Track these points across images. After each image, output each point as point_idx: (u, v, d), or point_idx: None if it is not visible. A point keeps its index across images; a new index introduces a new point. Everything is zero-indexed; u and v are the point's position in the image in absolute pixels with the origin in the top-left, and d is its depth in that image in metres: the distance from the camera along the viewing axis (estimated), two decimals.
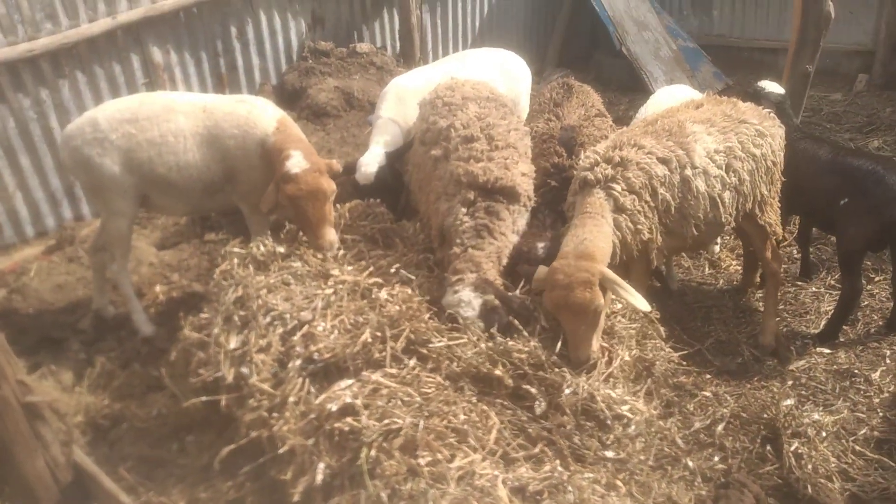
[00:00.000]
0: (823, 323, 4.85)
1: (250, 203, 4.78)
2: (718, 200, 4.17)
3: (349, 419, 3.12)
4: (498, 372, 3.52)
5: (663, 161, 4.01)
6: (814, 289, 5.36)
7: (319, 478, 3.07)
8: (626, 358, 3.73)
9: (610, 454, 3.45)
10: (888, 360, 4.48)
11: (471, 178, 4.07)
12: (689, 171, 4.05)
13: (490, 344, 3.61)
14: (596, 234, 3.70)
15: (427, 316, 3.70)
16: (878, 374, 4.33)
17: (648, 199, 3.96)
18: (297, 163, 4.33)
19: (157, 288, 5.50)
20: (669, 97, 5.49)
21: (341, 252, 4.32)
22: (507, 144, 4.24)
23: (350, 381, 3.29)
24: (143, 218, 6.48)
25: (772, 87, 5.15)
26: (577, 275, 3.48)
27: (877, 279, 5.37)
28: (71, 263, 5.95)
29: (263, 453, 3.37)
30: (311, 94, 7.19)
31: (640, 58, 9.89)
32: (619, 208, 3.89)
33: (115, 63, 6.67)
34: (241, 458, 3.48)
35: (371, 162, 5.16)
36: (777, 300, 4.94)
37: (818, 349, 4.61)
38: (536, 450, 3.28)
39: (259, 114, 4.67)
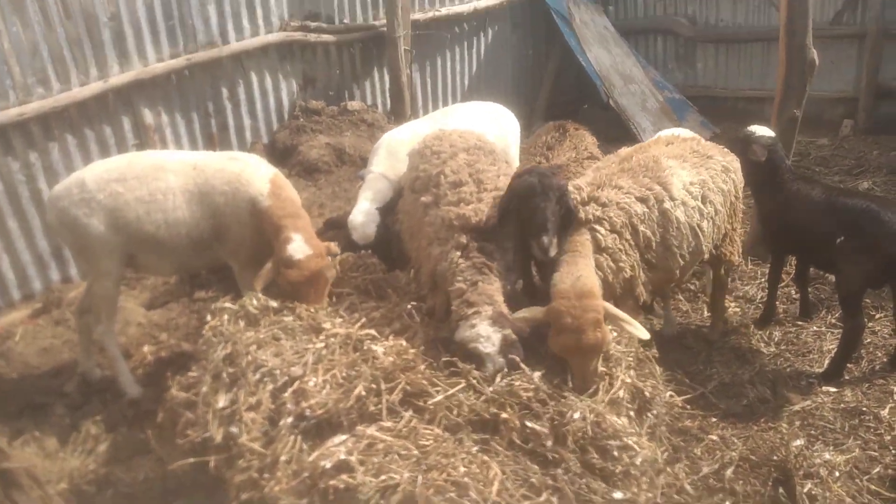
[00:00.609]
0: (827, 362, 4.76)
1: (240, 260, 4.72)
2: (698, 230, 4.29)
3: (344, 476, 2.98)
4: (505, 415, 3.41)
5: (641, 200, 4.12)
6: (815, 328, 5.28)
7: None
8: (627, 380, 3.64)
9: (618, 495, 3.30)
10: None
11: (463, 221, 4.04)
12: (667, 204, 4.16)
13: (494, 388, 3.51)
14: (586, 271, 3.75)
15: (423, 366, 3.59)
16: (886, 410, 4.23)
17: (629, 237, 4.04)
18: (299, 248, 4.28)
19: (145, 348, 5.36)
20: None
21: (333, 306, 4.25)
22: (496, 188, 4.23)
23: (344, 437, 3.16)
24: (132, 279, 6.39)
25: (762, 130, 5.20)
26: (586, 316, 3.48)
27: (878, 316, 5.31)
28: (57, 326, 5.83)
29: None
30: (303, 151, 7.23)
31: (627, 109, 10.04)
32: (600, 248, 3.97)
33: (106, 125, 6.69)
34: None
35: (367, 221, 5.16)
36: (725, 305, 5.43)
37: (824, 388, 4.50)
38: (542, 499, 3.14)
39: (251, 172, 4.64)
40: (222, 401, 3.55)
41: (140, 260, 4.75)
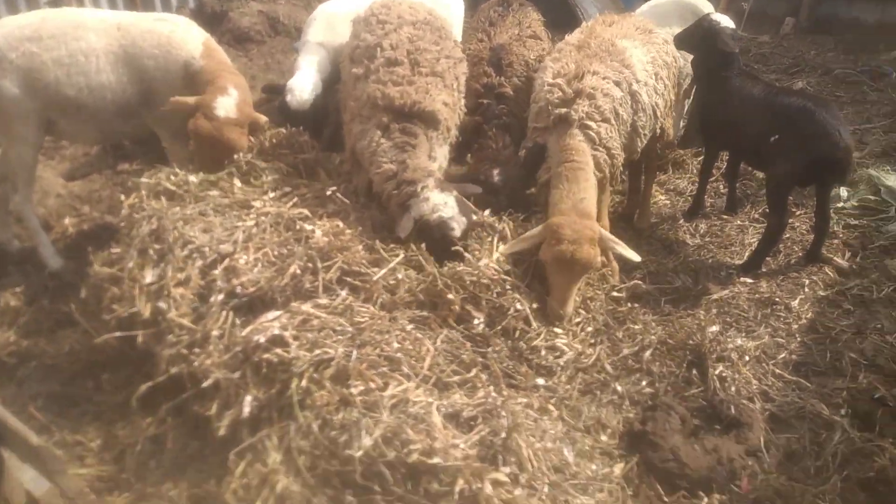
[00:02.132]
0: (747, 254, 4.97)
1: (169, 128, 4.47)
2: (656, 108, 4.39)
3: (278, 350, 2.99)
4: (451, 296, 3.47)
5: (617, 83, 4.14)
6: (739, 222, 5.47)
7: (246, 410, 2.95)
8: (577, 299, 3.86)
9: (541, 381, 3.48)
10: (806, 289, 4.63)
11: (387, 101, 3.93)
12: (635, 86, 4.21)
13: (441, 271, 3.61)
14: (590, 192, 3.82)
15: (360, 247, 3.56)
16: (797, 301, 4.48)
17: (614, 122, 4.08)
18: (227, 104, 4.09)
19: (66, 220, 5.15)
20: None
21: (264, 179, 4.10)
22: (433, 72, 4.11)
23: (278, 313, 3.15)
24: (50, 147, 6.02)
25: (725, 19, 5.16)
26: (585, 232, 3.63)
27: (798, 213, 5.53)
28: None
29: (185, 390, 3.22)
30: (233, 18, 6.75)
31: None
32: (595, 144, 4.00)
33: None
34: (161, 396, 3.31)
35: (306, 87, 4.88)
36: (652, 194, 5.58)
37: (742, 279, 4.72)
38: (471, 374, 3.25)
39: (183, 34, 4.35)
40: (149, 276, 3.46)
41: (60, 126, 4.44)
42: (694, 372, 3.81)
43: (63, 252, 4.84)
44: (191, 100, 4.10)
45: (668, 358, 3.95)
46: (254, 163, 4.21)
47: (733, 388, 3.70)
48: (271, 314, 3.13)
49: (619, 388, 3.68)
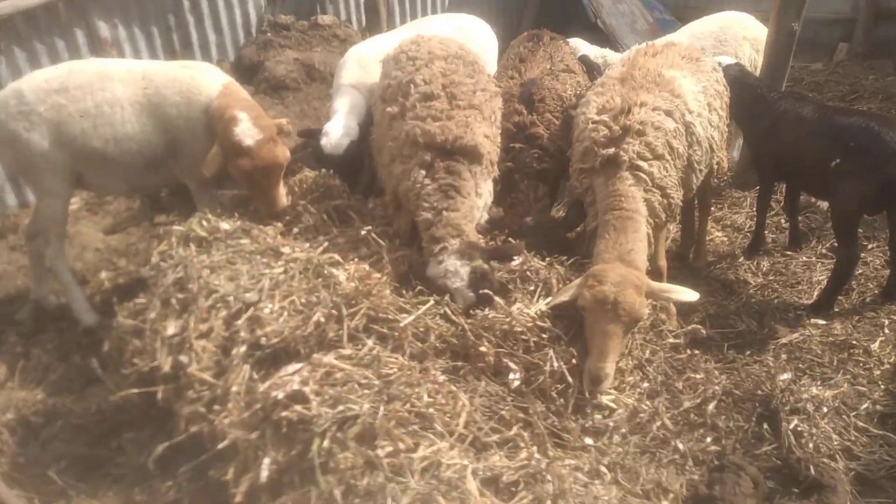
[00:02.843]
0: (817, 293, 4.56)
1: (196, 177, 4.37)
2: (711, 141, 4.06)
3: (298, 407, 2.75)
4: (483, 348, 3.20)
5: (669, 113, 3.84)
6: (804, 258, 5.05)
7: (265, 474, 2.71)
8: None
9: (589, 441, 3.15)
10: (887, 330, 4.19)
11: (428, 139, 3.73)
12: (689, 117, 3.91)
13: (470, 320, 3.34)
14: (638, 245, 3.50)
15: (388, 291, 3.33)
16: (877, 344, 4.04)
17: (669, 158, 3.77)
18: (247, 131, 3.98)
19: (103, 274, 5.09)
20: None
21: (294, 229, 3.95)
22: (470, 105, 3.91)
23: (299, 366, 2.92)
24: (94, 203, 6.04)
25: (725, 59, 5.05)
26: (630, 278, 3.28)
27: (870, 247, 5.09)
28: (13, 252, 5.51)
29: (205, 451, 3.01)
30: (269, 67, 6.75)
31: (616, 30, 9.56)
32: (649, 186, 3.69)
33: (58, 38, 6.18)
34: (182, 456, 3.11)
35: (340, 130, 4.68)
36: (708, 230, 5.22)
37: (812, 321, 4.31)
38: (512, 433, 2.94)
39: (203, 79, 4.28)
40: (171, 328, 3.30)
41: (89, 179, 4.40)
42: (765, 426, 3.40)
43: (98, 307, 4.75)
44: (213, 152, 4.02)
45: (734, 411, 3.57)
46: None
47: (811, 445, 3.28)
48: (291, 367, 2.91)
49: (680, 446, 3.29)
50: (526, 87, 4.64)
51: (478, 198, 3.85)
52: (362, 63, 5.06)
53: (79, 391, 4.07)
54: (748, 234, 5.40)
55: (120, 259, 5.30)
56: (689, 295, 3.42)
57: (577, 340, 3.40)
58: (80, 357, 4.33)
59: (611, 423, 3.27)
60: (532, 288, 3.61)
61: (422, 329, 3.24)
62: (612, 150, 3.69)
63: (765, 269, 4.97)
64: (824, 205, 5.80)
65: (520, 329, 3.31)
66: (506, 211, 4.48)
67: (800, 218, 5.40)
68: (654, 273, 3.93)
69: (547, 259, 3.78)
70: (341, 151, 4.60)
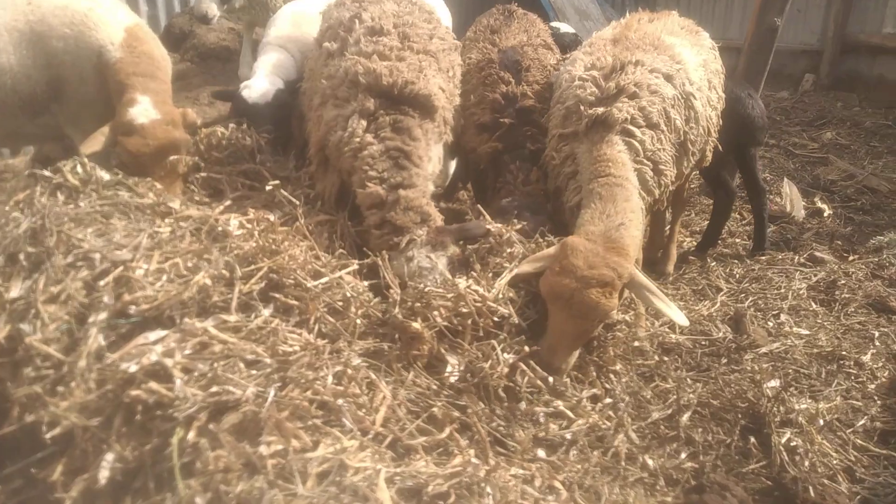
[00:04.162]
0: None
1: (82, 129, 3.65)
2: (709, 122, 3.53)
3: (155, 385, 2.05)
4: (416, 325, 2.55)
5: (669, 78, 3.29)
6: (779, 266, 4.59)
7: (105, 475, 1.99)
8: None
9: (541, 453, 2.52)
10: (878, 342, 3.70)
11: (372, 79, 3.09)
12: (689, 88, 3.36)
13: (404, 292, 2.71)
14: (630, 217, 2.90)
15: (299, 251, 2.66)
16: (868, 357, 3.54)
17: (665, 128, 3.21)
18: (143, 111, 3.37)
19: None
20: None
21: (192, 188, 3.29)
22: (425, 50, 3.29)
23: (164, 332, 2.22)
24: None
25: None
26: (602, 271, 2.68)
27: (852, 259, 4.67)
28: None
29: (44, 446, 2.27)
30: (199, 34, 6.08)
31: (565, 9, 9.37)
32: (639, 156, 3.14)
33: None
34: (15, 454, 2.36)
35: (266, 81, 4.00)
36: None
37: (794, 330, 3.79)
38: (443, 435, 2.29)
39: (102, 15, 3.60)
40: (15, 290, 2.55)
41: None
42: (752, 440, 2.81)
43: None
44: (101, 133, 3.38)
45: (713, 423, 2.97)
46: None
47: (807, 463, 2.70)
48: (153, 334, 2.20)
49: (650, 462, 2.68)
50: (507, 53, 3.96)
51: (428, 163, 3.23)
52: (295, 19, 4.38)
53: None
54: (718, 242, 4.93)
55: None
56: (678, 316, 2.86)
57: (541, 325, 2.82)
58: None
59: (568, 436, 2.67)
60: (498, 261, 2.99)
61: (339, 301, 2.57)
62: (602, 110, 3.15)
63: (738, 275, 4.47)
64: (800, 215, 5.41)
65: (466, 310, 2.69)
66: (492, 195, 3.76)
67: (773, 227, 4.99)
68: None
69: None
70: (268, 99, 3.89)
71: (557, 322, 2.78)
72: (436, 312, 2.64)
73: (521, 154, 3.73)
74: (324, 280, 2.54)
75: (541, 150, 3.76)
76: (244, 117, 3.80)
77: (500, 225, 3.09)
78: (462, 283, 2.73)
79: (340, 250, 2.85)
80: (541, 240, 3.14)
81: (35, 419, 2.27)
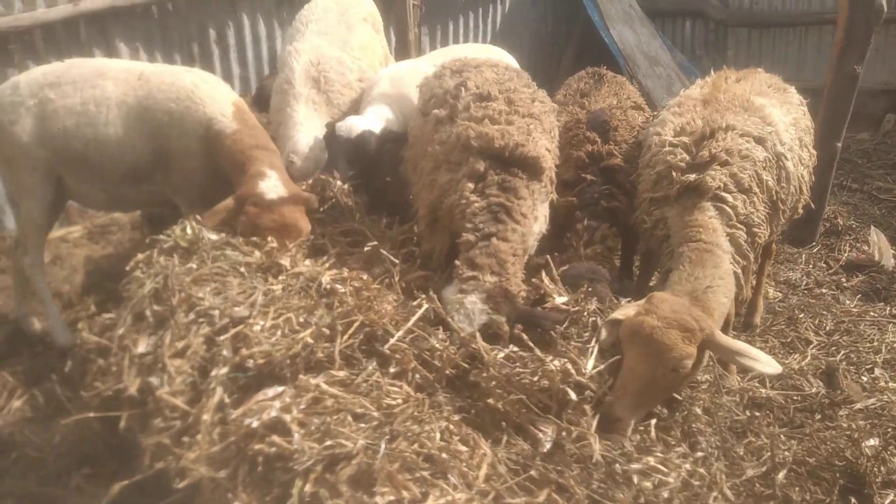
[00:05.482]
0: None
1: (187, 198, 3.93)
2: (801, 181, 3.58)
3: (276, 439, 2.21)
4: (491, 400, 2.62)
5: (760, 141, 3.36)
6: (871, 316, 4.48)
7: None
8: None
9: None
10: None
11: (484, 143, 3.21)
12: (780, 148, 3.42)
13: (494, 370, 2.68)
14: (718, 284, 2.97)
15: (390, 307, 2.79)
16: None
17: (757, 191, 3.28)
18: (273, 186, 3.46)
19: (90, 297, 4.63)
20: None
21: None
22: (530, 113, 3.41)
23: (280, 389, 2.39)
24: (96, 232, 5.67)
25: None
26: (684, 317, 2.71)
27: None
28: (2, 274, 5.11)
29: (172, 493, 2.45)
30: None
31: (652, 93, 9.26)
32: (732, 222, 3.20)
33: (75, 55, 5.94)
34: (145, 500, 2.57)
35: (364, 121, 3.98)
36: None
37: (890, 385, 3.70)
38: (542, 498, 2.35)
39: (208, 90, 3.84)
40: (143, 345, 2.80)
41: (69, 183, 3.99)
42: (853, 501, 2.77)
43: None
44: (228, 201, 3.46)
45: (810, 482, 2.93)
46: None
47: None
48: (271, 391, 2.38)
49: None
50: (596, 114, 4.07)
51: (534, 222, 3.31)
52: (394, 80, 4.51)
53: (43, 421, 3.55)
54: (804, 292, 4.86)
55: (111, 283, 4.85)
56: (770, 366, 2.80)
57: None
58: (52, 383, 3.84)
59: (664, 494, 2.66)
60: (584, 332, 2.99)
61: (426, 351, 2.67)
62: (692, 177, 3.23)
63: (828, 327, 4.39)
64: (889, 263, 5.27)
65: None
66: (560, 252, 3.73)
67: (862, 277, 4.89)
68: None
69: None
70: (355, 136, 3.86)
71: (630, 363, 2.77)
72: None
73: (594, 211, 3.79)
74: (399, 332, 2.63)
75: (617, 208, 3.84)
76: (334, 159, 3.87)
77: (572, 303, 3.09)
78: (556, 362, 2.72)
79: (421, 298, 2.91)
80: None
81: (163, 467, 2.48)
